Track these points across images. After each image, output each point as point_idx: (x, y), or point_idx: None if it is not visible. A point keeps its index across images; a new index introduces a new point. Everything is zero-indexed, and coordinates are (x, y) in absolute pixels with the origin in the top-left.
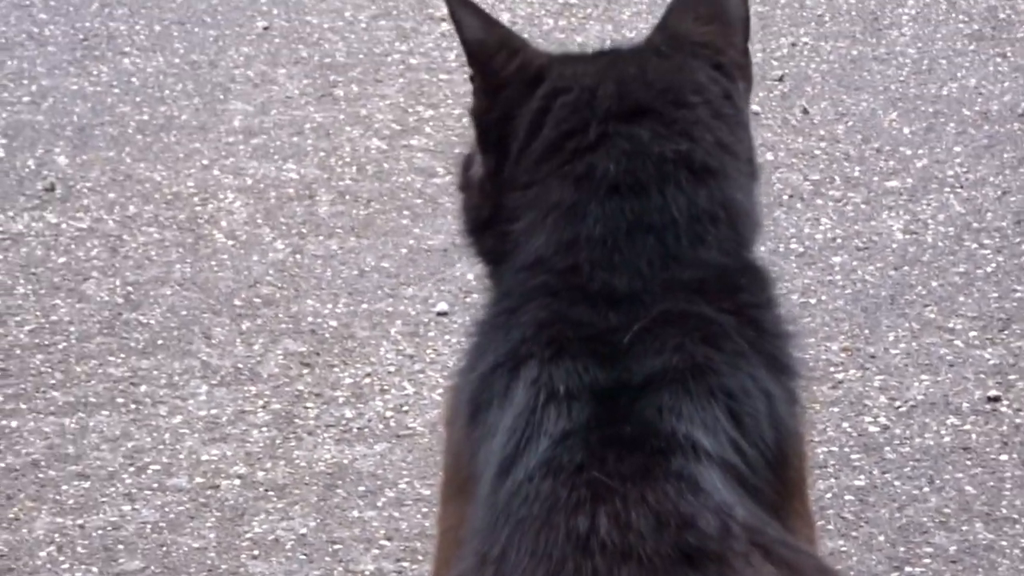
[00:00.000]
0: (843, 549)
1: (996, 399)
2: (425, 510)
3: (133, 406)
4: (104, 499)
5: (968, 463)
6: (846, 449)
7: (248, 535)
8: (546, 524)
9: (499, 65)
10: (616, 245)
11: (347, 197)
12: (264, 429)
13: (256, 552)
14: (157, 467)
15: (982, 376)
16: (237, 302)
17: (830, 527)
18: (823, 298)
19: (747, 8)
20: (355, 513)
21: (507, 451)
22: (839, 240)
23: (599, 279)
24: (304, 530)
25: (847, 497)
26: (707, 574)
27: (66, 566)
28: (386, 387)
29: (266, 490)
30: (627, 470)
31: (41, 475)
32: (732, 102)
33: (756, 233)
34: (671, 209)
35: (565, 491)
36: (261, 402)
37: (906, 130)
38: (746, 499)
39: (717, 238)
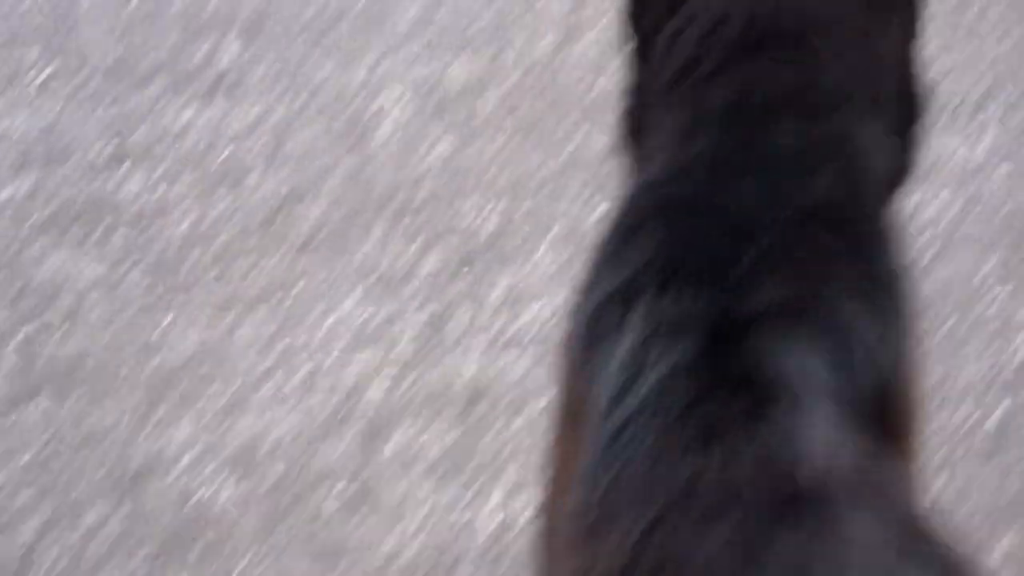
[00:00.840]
0: (984, 475)
1: None
2: None
3: (288, 304)
4: (251, 403)
5: None
6: (995, 371)
7: (390, 445)
8: (652, 466)
9: None
10: (725, 171)
11: (513, 96)
12: (415, 332)
13: (397, 463)
14: (307, 370)
15: None
16: (397, 201)
17: (972, 452)
18: (981, 214)
19: None
20: (501, 422)
21: (617, 386)
22: (1002, 153)
23: (709, 202)
24: (447, 440)
25: (991, 421)
26: (812, 517)
27: (208, 471)
28: (540, 293)
29: (412, 397)
30: (734, 410)
31: (191, 375)
32: (873, 40)
33: (880, 174)
34: (780, 139)
35: (671, 432)
36: (415, 304)
37: None
38: (853, 438)
39: (830, 175)
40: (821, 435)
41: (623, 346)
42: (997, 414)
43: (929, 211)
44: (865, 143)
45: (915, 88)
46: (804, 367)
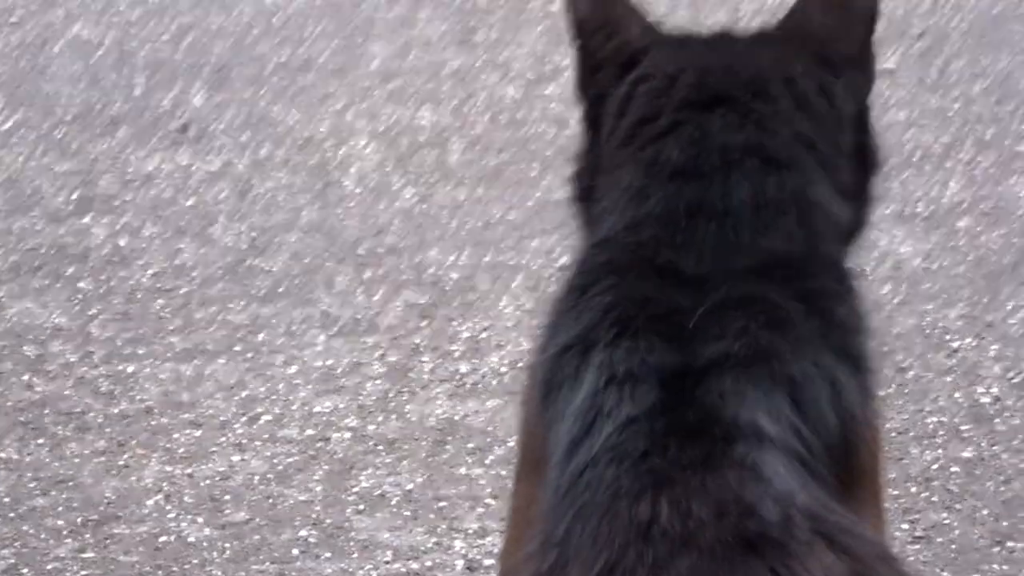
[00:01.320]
0: (946, 521)
1: None
2: None
3: (250, 354)
4: (214, 448)
5: None
6: (956, 419)
7: (355, 489)
8: (608, 511)
9: (597, 46)
10: (678, 227)
11: (478, 146)
12: (378, 381)
13: (362, 507)
14: (269, 417)
15: None
16: (361, 250)
17: (935, 499)
18: (945, 263)
19: (876, 2)
20: (462, 470)
21: (574, 434)
22: (966, 204)
23: (663, 257)
24: (411, 486)
25: (953, 469)
26: (767, 562)
27: (173, 515)
28: (503, 342)
29: (375, 444)
30: (689, 458)
31: (154, 422)
32: (827, 96)
33: (836, 229)
34: (732, 196)
35: (628, 479)
36: (377, 354)
37: None
38: (809, 485)
39: (785, 229)
40: (776, 482)
41: (580, 395)
42: (959, 462)
43: (894, 260)
44: (819, 198)
45: (870, 142)
46: (758, 416)
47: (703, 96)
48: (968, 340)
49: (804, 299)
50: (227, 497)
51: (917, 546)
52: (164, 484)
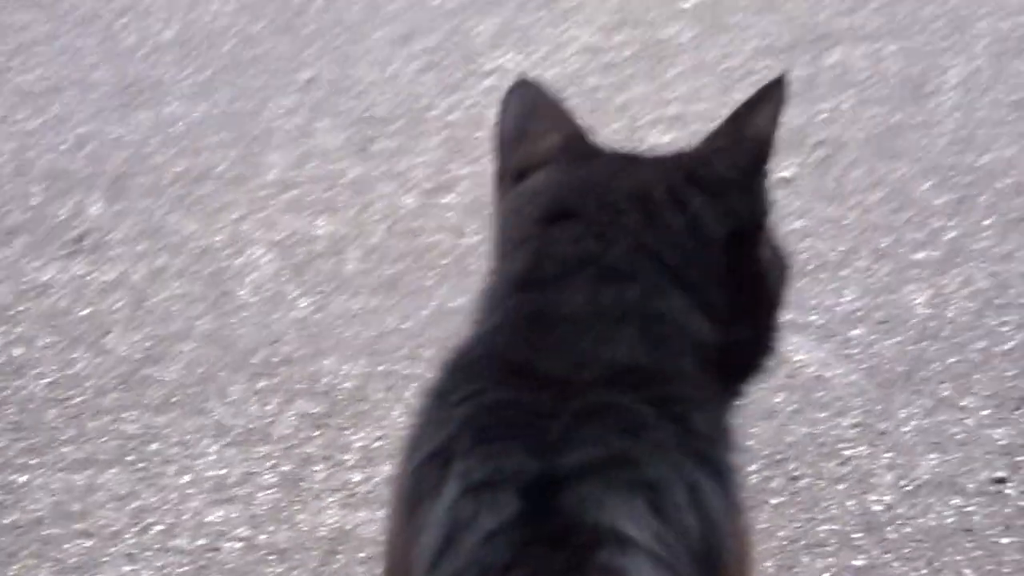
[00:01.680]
0: None
1: (1002, 480)
2: None
3: (142, 464)
4: (105, 559)
5: (969, 545)
6: (848, 528)
7: None
8: None
9: (503, 158)
10: (525, 334)
11: (375, 255)
12: (271, 491)
13: None
14: (161, 527)
15: (990, 456)
16: (255, 360)
17: None
18: (839, 371)
19: (770, 130)
20: None
21: (437, 546)
22: (860, 312)
23: (514, 366)
24: None
25: None
26: None
27: None
28: (396, 452)
29: (267, 554)
30: (553, 567)
31: (45, 532)
32: (685, 214)
33: (694, 343)
34: (568, 304)
35: None
36: (270, 463)
37: (938, 201)
38: None
39: (628, 338)
40: None
41: (442, 505)
42: (851, 570)
43: (788, 368)
44: (666, 311)
45: (755, 266)
46: (619, 521)
47: (553, 211)
48: (861, 448)
49: (658, 405)
50: None
51: None
52: None
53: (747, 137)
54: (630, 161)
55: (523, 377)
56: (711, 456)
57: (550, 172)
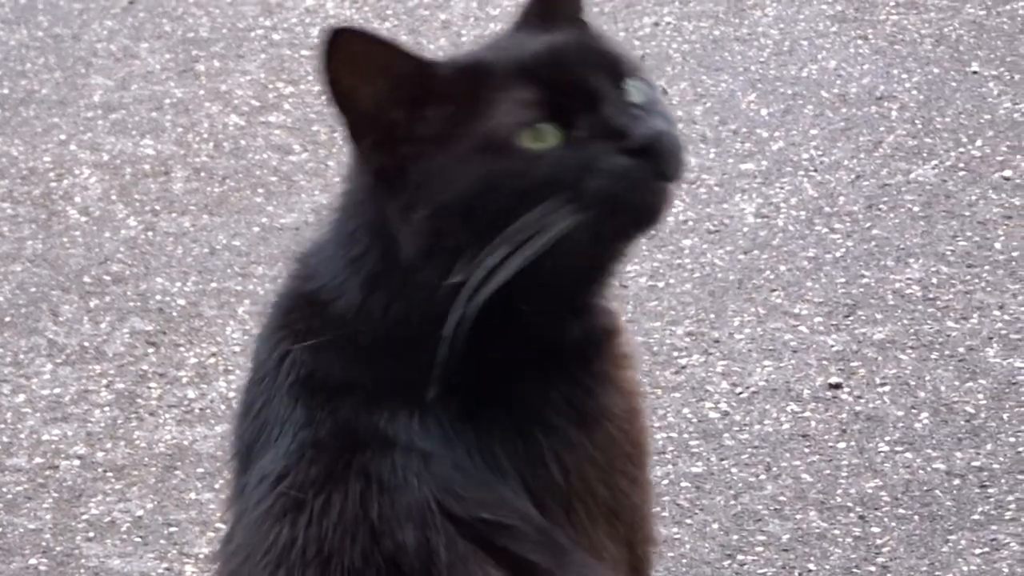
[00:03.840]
0: (676, 536)
1: (837, 386)
2: None
3: None
4: None
5: (806, 450)
6: (685, 435)
7: (84, 516)
8: (263, 531)
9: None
10: None
11: (202, 174)
12: (106, 409)
13: (91, 534)
14: None
15: (824, 363)
16: (87, 279)
17: (665, 514)
18: (671, 281)
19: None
20: (192, 495)
21: (246, 441)
22: (690, 223)
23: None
24: (141, 512)
25: (683, 484)
26: None
27: None
28: (230, 367)
29: (105, 471)
30: (315, 475)
31: None
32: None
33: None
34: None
35: (270, 500)
36: (104, 381)
37: (764, 112)
38: (460, 485)
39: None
40: (409, 489)
41: (256, 388)
42: (689, 477)
43: (619, 280)
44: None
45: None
46: (385, 422)
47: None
48: (696, 357)
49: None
50: None
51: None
52: None
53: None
54: None
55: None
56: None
57: None
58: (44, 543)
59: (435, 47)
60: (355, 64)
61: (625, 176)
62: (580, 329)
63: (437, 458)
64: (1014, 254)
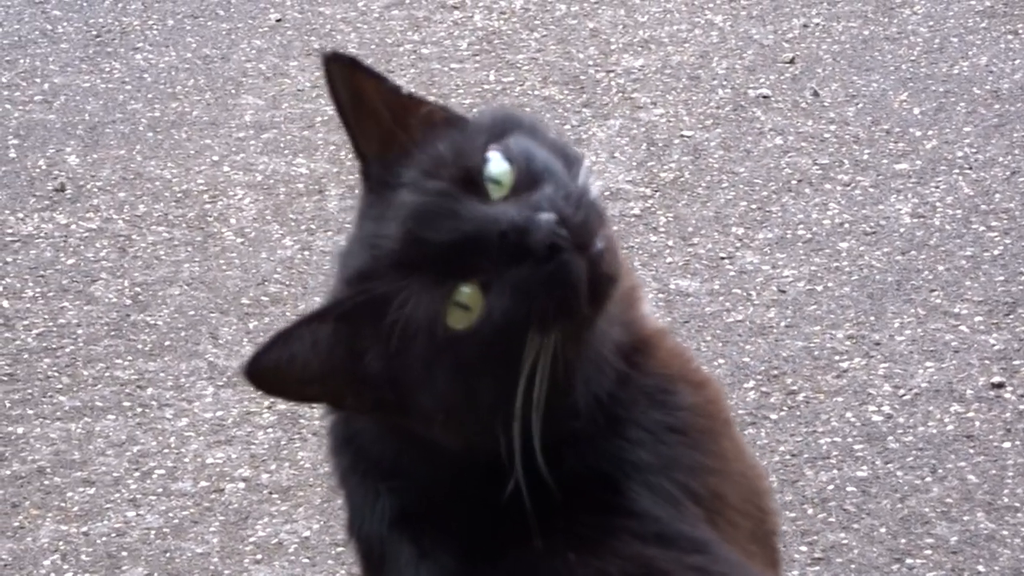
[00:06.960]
0: (844, 542)
1: (1000, 385)
2: None
3: (139, 409)
4: (109, 505)
5: (971, 451)
6: (849, 439)
7: (251, 539)
8: None
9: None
10: None
11: (356, 191)
12: (269, 431)
13: (259, 556)
14: (162, 471)
15: (987, 362)
16: (245, 301)
17: (832, 520)
18: (829, 285)
19: None
20: None
21: None
22: (847, 225)
23: None
24: (307, 533)
25: (849, 488)
26: None
27: (70, 574)
28: None
29: (270, 492)
30: None
31: (47, 482)
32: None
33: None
34: None
35: None
36: (267, 403)
37: (916, 111)
38: None
39: None
40: None
41: None
42: (854, 481)
43: (777, 284)
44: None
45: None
46: None
47: None
48: (857, 360)
49: None
50: (124, 554)
51: (816, 568)
52: (60, 543)
53: None
54: None
55: None
56: None
57: None
58: (212, 567)
59: (584, 56)
60: None
61: (558, 283)
62: (613, 371)
63: None
64: None
